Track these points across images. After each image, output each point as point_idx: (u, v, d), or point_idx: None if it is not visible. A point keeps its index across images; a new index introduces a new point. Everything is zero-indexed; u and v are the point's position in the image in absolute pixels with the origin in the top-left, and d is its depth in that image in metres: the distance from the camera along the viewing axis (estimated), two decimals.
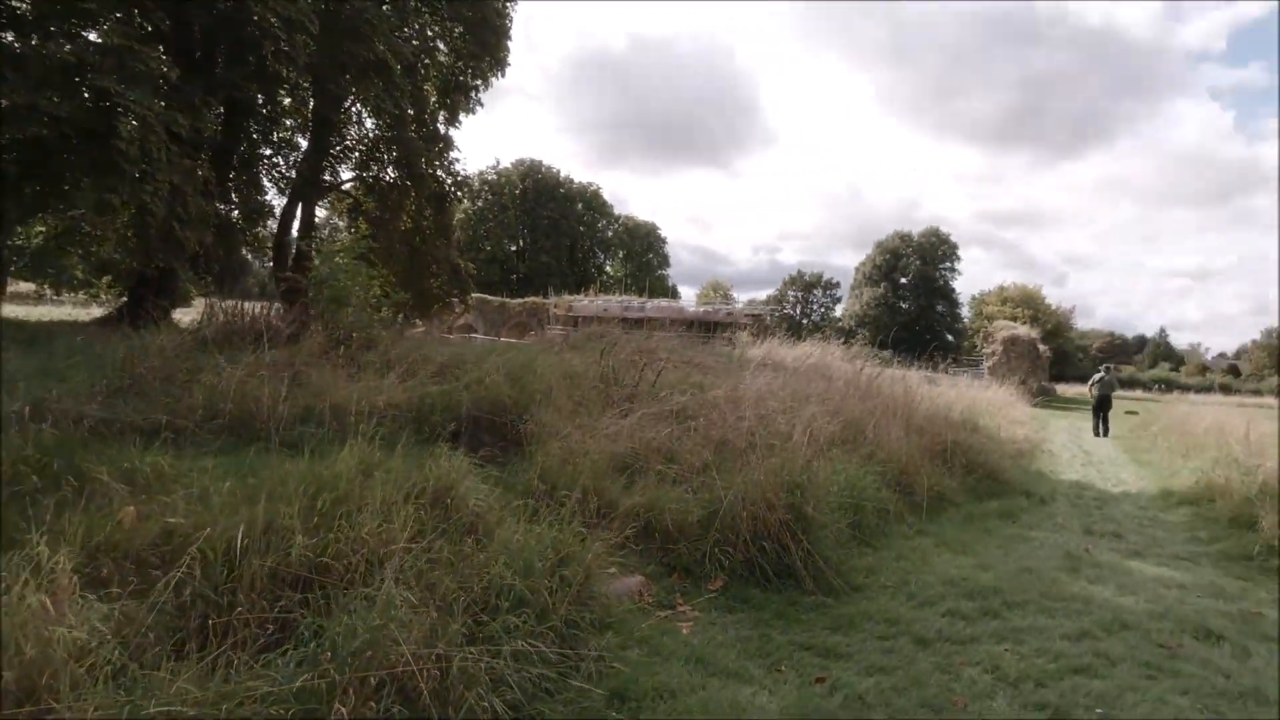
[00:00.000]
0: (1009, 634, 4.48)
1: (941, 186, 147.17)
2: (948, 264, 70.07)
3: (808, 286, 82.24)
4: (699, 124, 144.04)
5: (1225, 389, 60.17)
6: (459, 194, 16.69)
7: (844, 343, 17.04)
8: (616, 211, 73.01)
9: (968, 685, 3.78)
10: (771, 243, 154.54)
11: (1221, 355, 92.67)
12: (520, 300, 37.36)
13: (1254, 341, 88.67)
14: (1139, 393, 49.99)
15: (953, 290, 69.76)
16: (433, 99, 15.15)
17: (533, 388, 7.34)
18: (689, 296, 70.79)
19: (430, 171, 14.65)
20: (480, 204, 62.22)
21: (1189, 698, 3.74)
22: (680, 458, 6.02)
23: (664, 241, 74.68)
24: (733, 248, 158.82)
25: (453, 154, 15.41)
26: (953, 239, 70.78)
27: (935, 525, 7.11)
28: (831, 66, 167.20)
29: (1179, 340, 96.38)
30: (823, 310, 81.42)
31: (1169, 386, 60.50)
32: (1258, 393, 55.98)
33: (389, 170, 14.85)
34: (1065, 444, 16.11)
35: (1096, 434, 18.40)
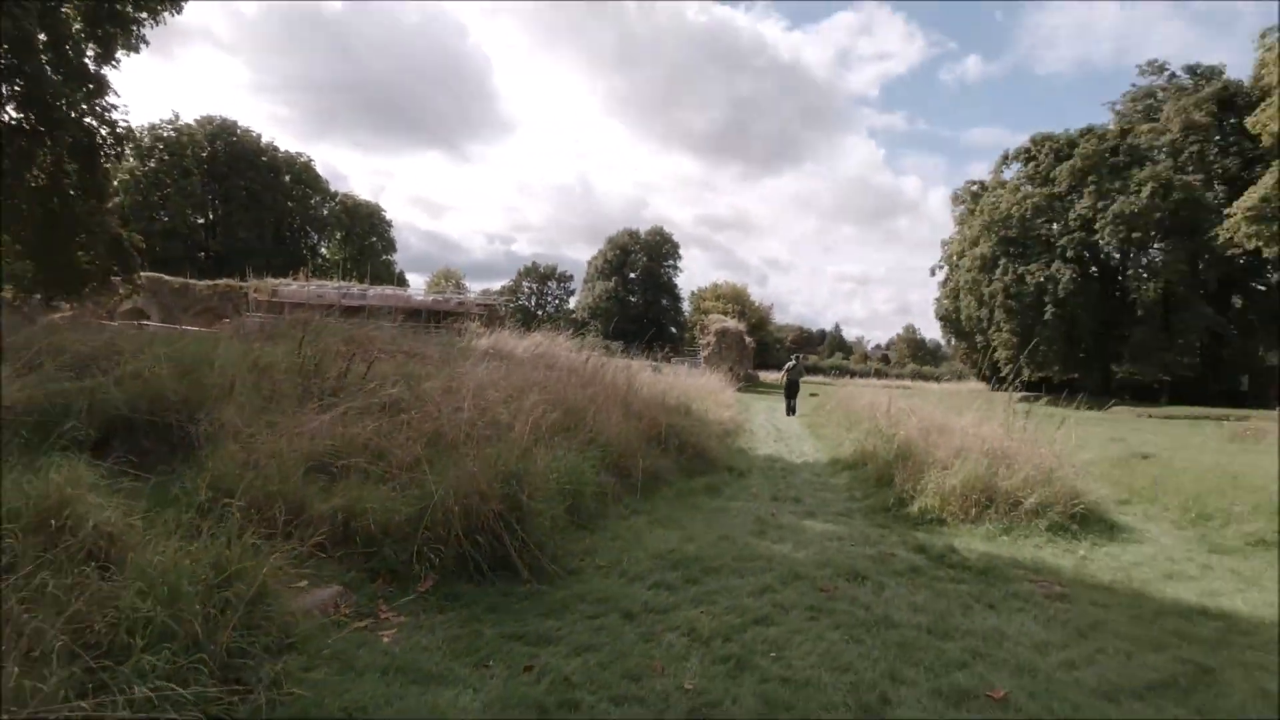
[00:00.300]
0: (705, 597, 4.85)
1: (666, 189, 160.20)
2: (671, 262, 76.08)
3: (543, 278, 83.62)
4: (428, 102, 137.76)
5: (879, 374, 74.31)
6: (120, 149, 13.56)
7: (576, 334, 17.51)
8: (333, 188, 66.67)
9: (666, 650, 3.99)
10: (507, 233, 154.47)
11: (877, 346, 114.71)
12: (210, 282, 31.90)
13: (898, 335, 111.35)
14: (820, 378, 59.51)
15: (675, 286, 76.04)
16: (76, 26, 12.08)
17: (210, 382, 6.24)
18: (418, 284, 67.69)
19: (74, 117, 11.65)
20: (154, 165, 52.21)
21: (840, 631, 4.37)
22: (389, 454, 5.56)
23: (389, 224, 70.08)
24: (466, 235, 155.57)
25: (109, 99, 12.44)
26: (675, 239, 77.09)
27: (650, 504, 7.54)
28: (566, 64, 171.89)
29: (849, 334, 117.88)
30: (557, 302, 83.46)
31: (842, 372, 73.24)
32: (900, 376, 70.37)
33: (8, 109, 11.52)
34: (762, 423, 18.42)
35: (788, 414, 21.34)
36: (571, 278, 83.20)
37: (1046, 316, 40.93)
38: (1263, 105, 26.83)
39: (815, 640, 4.21)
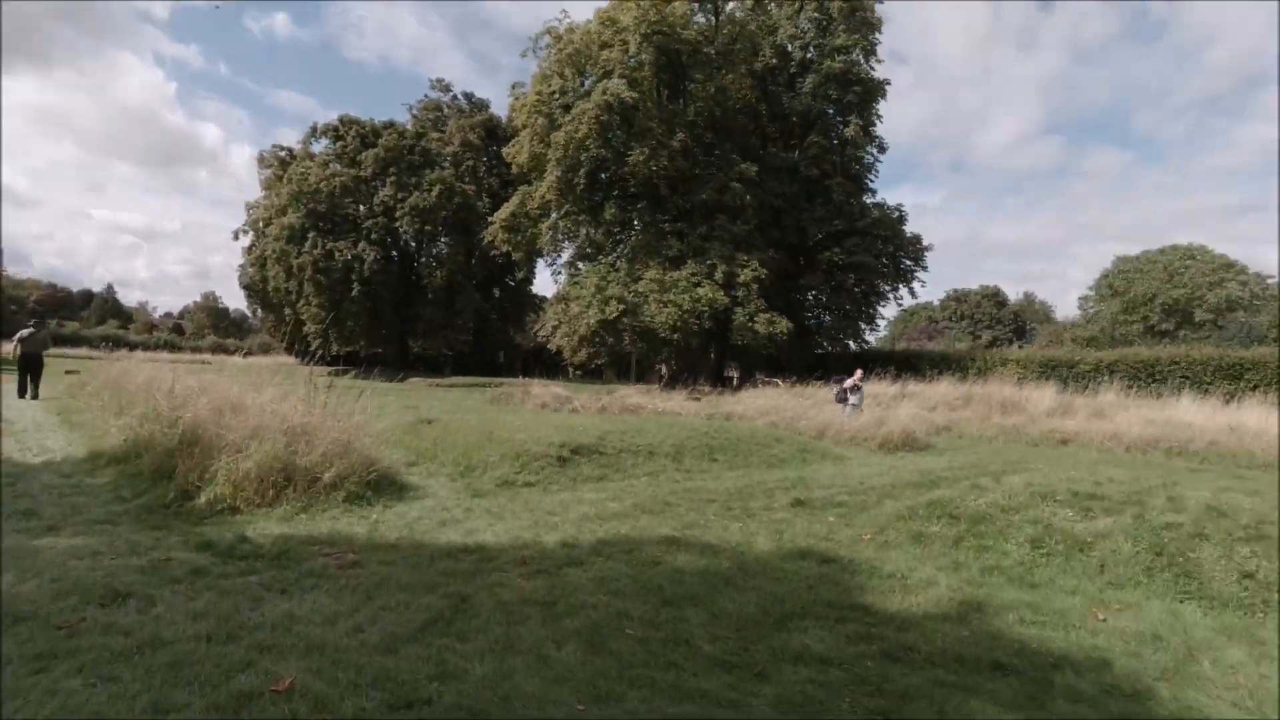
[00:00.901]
0: None
1: None
2: None
3: None
4: None
5: (172, 346, 64.65)
6: None
7: None
8: None
9: None
10: None
11: (169, 315, 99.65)
12: None
13: (196, 303, 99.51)
14: (85, 350, 47.83)
15: None
16: None
17: None
18: None
19: None
20: None
21: (83, 675, 3.38)
22: None
23: None
24: None
25: None
26: None
27: None
28: None
29: (129, 298, 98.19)
30: None
31: (119, 344, 60.48)
32: (199, 349, 62.71)
33: None
34: None
35: (22, 397, 16.24)
36: None
37: (354, 293, 43.40)
38: (514, 141, 34.63)
39: (43, 699, 3.14)
